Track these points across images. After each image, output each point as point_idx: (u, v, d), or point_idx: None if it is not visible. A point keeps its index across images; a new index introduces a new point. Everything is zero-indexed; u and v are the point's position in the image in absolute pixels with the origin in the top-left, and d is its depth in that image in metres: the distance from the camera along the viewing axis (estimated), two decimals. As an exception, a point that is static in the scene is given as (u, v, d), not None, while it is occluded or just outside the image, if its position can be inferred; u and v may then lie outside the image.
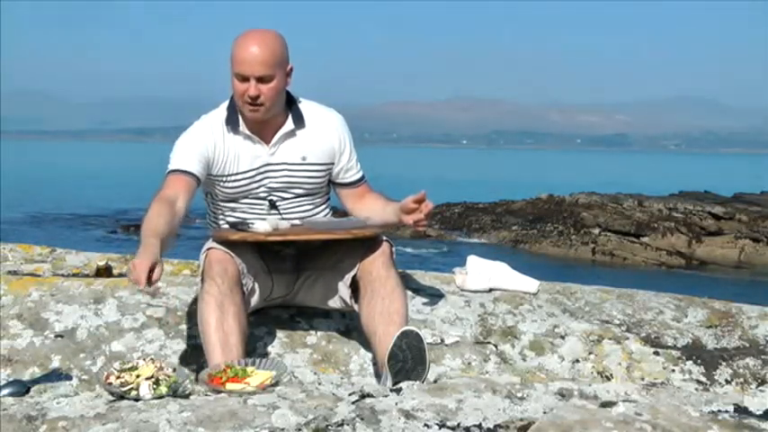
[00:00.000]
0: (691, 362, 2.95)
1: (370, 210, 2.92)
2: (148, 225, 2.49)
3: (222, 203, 2.88)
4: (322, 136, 2.88)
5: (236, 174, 2.81)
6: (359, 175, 2.98)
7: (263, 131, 2.81)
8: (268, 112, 2.76)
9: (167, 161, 2.77)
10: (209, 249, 2.68)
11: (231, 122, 2.80)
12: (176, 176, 2.71)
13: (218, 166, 2.79)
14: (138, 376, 2.20)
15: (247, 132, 2.80)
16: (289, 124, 2.83)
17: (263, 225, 2.71)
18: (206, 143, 2.77)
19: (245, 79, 2.69)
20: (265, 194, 2.86)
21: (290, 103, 2.85)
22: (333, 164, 2.91)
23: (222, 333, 2.53)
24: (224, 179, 2.82)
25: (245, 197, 2.86)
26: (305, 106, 2.89)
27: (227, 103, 2.84)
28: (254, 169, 2.82)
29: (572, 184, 35.98)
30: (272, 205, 2.87)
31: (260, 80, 2.68)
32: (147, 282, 2.29)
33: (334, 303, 2.85)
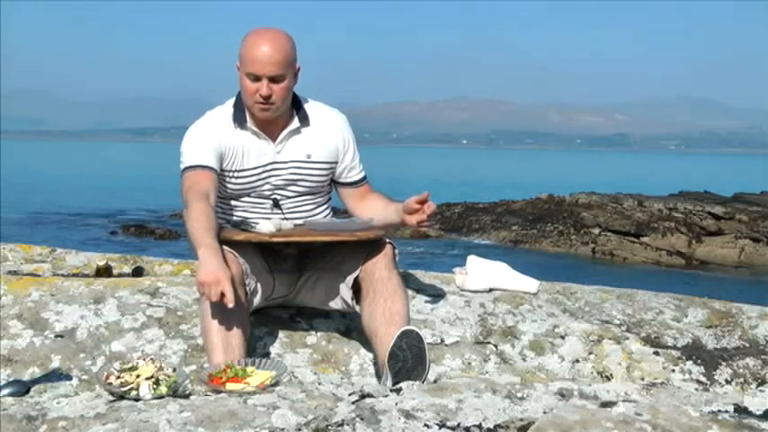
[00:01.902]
0: (691, 362, 2.95)
1: (372, 209, 2.92)
2: (204, 224, 2.54)
3: (225, 201, 2.88)
4: (326, 135, 2.89)
5: (244, 170, 2.82)
6: (361, 175, 2.99)
7: (270, 129, 2.83)
8: (278, 111, 2.77)
9: (178, 156, 2.78)
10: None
11: (238, 120, 2.81)
12: (200, 172, 2.72)
13: (227, 161, 2.80)
14: (138, 376, 2.20)
15: (255, 129, 2.81)
16: (294, 122, 2.85)
17: (266, 226, 2.71)
18: (218, 138, 2.78)
19: (257, 79, 2.70)
20: (269, 192, 2.86)
21: (295, 102, 2.86)
22: (336, 162, 2.93)
23: (224, 333, 2.52)
24: (231, 175, 2.82)
25: (249, 195, 2.86)
26: (310, 106, 2.90)
27: (233, 100, 2.86)
28: (260, 166, 2.83)
29: (572, 184, 35.98)
30: (276, 204, 2.87)
31: (272, 80, 2.70)
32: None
33: (335, 304, 2.85)
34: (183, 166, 2.76)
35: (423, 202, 2.72)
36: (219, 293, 2.41)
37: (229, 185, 2.84)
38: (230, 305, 2.42)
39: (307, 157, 2.86)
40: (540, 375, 2.84)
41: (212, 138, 2.77)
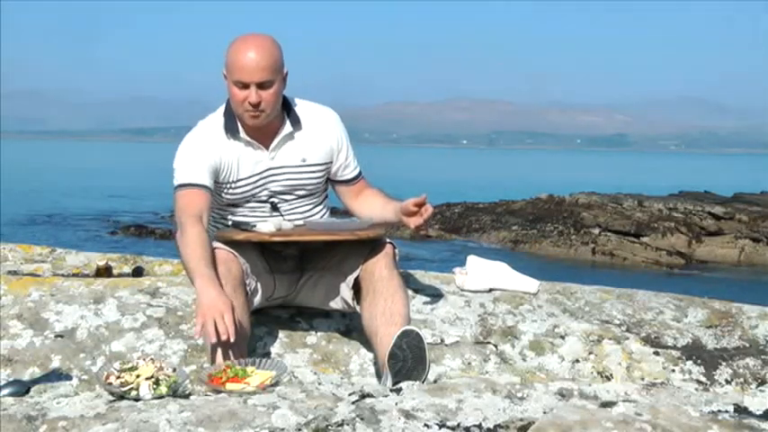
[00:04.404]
0: (691, 362, 2.95)
1: (370, 206, 2.92)
2: (199, 253, 2.54)
3: (224, 207, 2.88)
4: (320, 136, 2.88)
5: (239, 180, 2.81)
6: (356, 172, 2.98)
7: (262, 136, 2.81)
8: (268, 118, 2.75)
9: (172, 171, 2.75)
10: (213, 249, 2.67)
11: (230, 129, 2.78)
12: (194, 191, 2.70)
13: (222, 174, 2.78)
14: (138, 376, 2.20)
15: (247, 138, 2.79)
16: (287, 127, 2.82)
17: (266, 226, 2.71)
18: (212, 153, 2.75)
19: (245, 86, 2.67)
20: (267, 197, 2.85)
21: (285, 106, 2.85)
22: (331, 162, 2.91)
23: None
24: (227, 186, 2.81)
25: (248, 201, 2.85)
26: (300, 107, 2.88)
27: (222, 108, 2.82)
28: (256, 174, 2.82)
29: (572, 184, 35.95)
30: (274, 207, 2.87)
31: (260, 86, 2.67)
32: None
33: (336, 304, 2.85)
34: (176, 184, 2.73)
35: (420, 205, 2.71)
36: (223, 325, 2.38)
37: (227, 195, 2.83)
38: (229, 338, 2.39)
39: (302, 161, 2.85)
40: (540, 375, 2.84)
41: (206, 153, 2.74)
